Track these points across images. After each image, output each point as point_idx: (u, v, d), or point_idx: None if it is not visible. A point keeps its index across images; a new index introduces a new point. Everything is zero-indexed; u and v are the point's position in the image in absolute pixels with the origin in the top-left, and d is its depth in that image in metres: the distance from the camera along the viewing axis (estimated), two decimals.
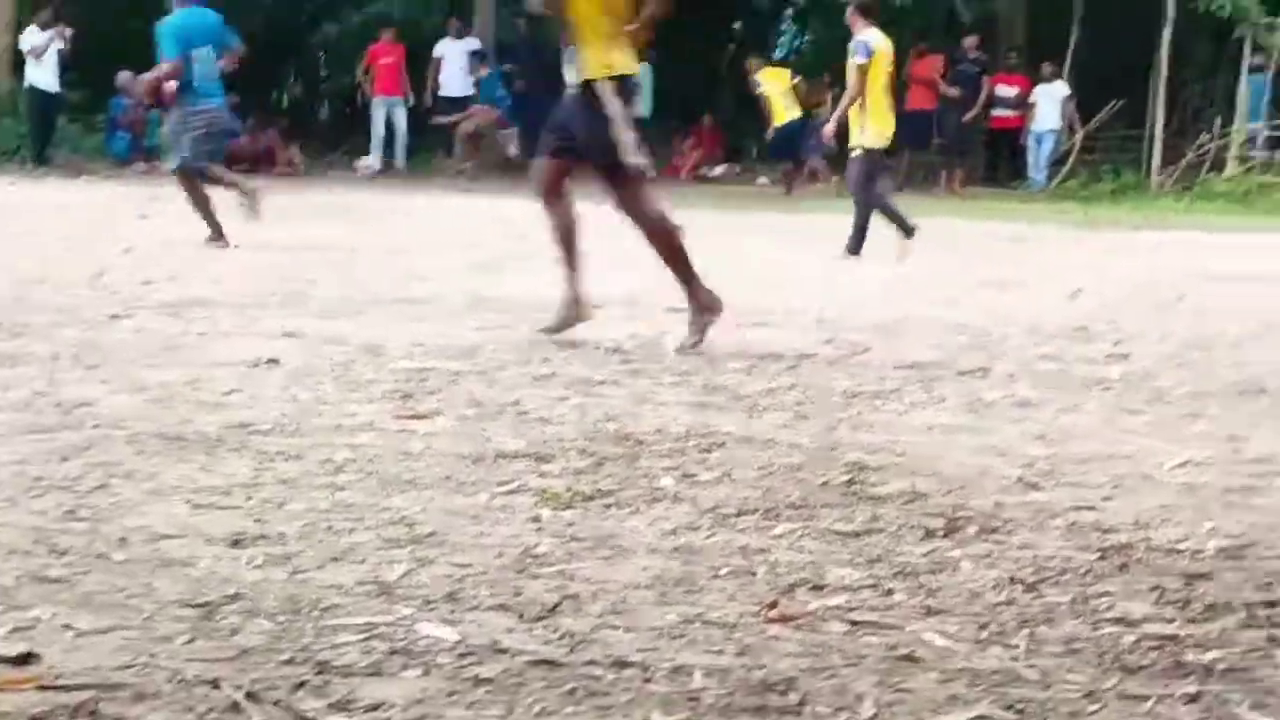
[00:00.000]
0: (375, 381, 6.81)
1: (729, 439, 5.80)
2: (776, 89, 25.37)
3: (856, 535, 4.52)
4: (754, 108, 27.00)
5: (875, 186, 14.65)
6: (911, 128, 27.38)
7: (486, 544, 4.29)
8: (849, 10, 14.76)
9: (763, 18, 32.79)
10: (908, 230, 14.38)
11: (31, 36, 24.63)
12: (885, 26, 14.69)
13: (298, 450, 5.34)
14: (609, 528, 4.51)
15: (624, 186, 8.55)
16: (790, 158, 25.82)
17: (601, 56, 8.34)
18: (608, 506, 4.75)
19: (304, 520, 4.45)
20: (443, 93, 27.13)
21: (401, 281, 10.84)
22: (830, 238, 14.67)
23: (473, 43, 27.14)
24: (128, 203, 18.21)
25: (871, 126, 14.39)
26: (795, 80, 25.73)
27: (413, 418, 6.00)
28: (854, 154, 14.62)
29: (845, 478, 5.22)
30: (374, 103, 27.72)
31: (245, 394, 6.38)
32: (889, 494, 5.02)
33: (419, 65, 28.02)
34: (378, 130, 27.32)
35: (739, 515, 4.69)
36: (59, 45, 24.83)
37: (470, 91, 26.96)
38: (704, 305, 8.51)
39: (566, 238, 8.71)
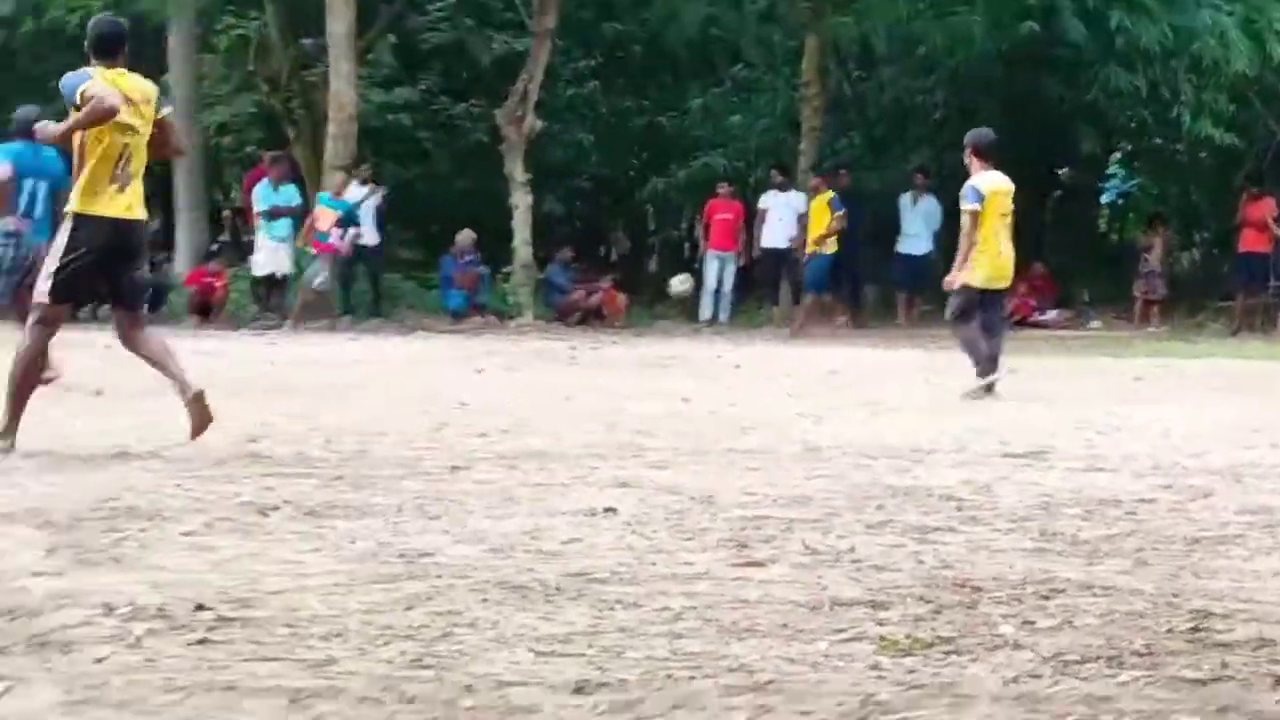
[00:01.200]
0: (709, 530, 6.85)
1: (1068, 585, 5.72)
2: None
3: (1204, 683, 4.42)
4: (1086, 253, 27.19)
5: (967, 321, 14.46)
6: (1246, 270, 26.87)
7: (826, 692, 4.28)
8: (966, 149, 14.75)
9: (1091, 162, 32.48)
10: (983, 373, 14.11)
11: (350, 194, 25.36)
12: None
13: (635, 598, 5.39)
14: (949, 675, 4.47)
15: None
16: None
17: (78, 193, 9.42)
18: (948, 654, 4.71)
19: (644, 668, 4.48)
20: (766, 244, 27.26)
21: (732, 431, 10.89)
22: (1170, 384, 14.41)
23: (795, 196, 27.29)
24: (463, 357, 18.59)
25: (978, 266, 14.34)
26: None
27: (748, 565, 6.02)
28: (954, 287, 14.58)
29: (1190, 624, 5.12)
30: (707, 256, 27.95)
31: (583, 543, 6.45)
32: (1236, 641, 4.90)
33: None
34: (709, 283, 27.53)
35: (1082, 663, 4.62)
36: (375, 203, 25.60)
37: (787, 245, 27.08)
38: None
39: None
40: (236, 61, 30.06)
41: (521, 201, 26.62)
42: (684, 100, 32.14)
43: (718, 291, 27.55)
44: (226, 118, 30.53)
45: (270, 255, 24.70)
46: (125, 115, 9.31)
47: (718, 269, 27.57)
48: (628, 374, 16.50)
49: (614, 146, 33.55)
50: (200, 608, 5.07)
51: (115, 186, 9.37)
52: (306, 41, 28.52)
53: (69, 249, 9.36)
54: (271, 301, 25.05)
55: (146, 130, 9.52)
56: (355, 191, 25.45)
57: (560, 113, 30.74)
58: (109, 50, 9.60)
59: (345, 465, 8.72)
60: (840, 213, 25.72)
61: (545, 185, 29.00)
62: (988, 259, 14.39)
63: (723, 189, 28.20)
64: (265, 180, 25.03)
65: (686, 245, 35.01)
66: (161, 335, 10.34)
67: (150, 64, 31.64)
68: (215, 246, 28.43)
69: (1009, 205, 14.56)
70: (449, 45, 31.42)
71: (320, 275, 22.07)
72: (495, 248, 27.73)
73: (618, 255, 36.05)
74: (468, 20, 31.23)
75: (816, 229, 25.75)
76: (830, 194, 25.91)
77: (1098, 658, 4.67)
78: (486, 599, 5.34)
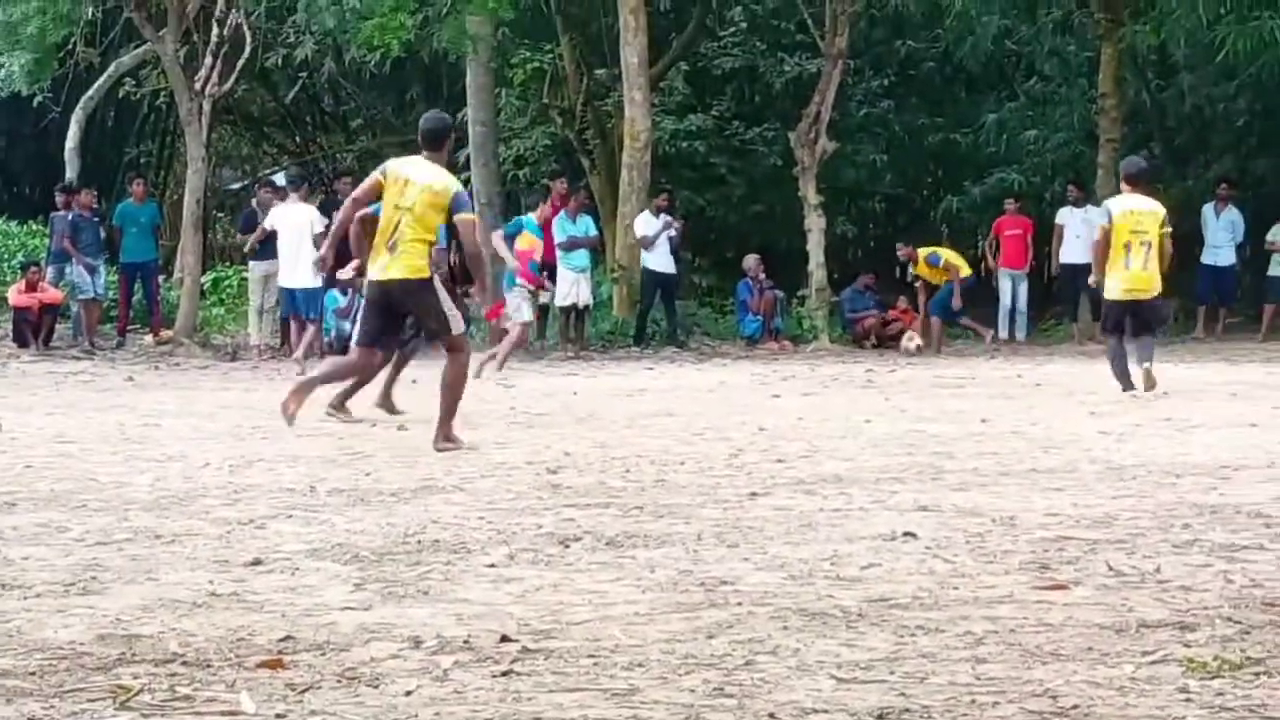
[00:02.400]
0: (1011, 552, 6.78)
1: None
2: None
3: None
4: None
5: (1108, 331, 16.49)
6: None
7: (1133, 716, 4.22)
8: (1120, 176, 17.08)
9: None
10: (1123, 383, 15.87)
11: (643, 225, 25.53)
12: None
13: (937, 623, 5.35)
14: (1259, 697, 4.38)
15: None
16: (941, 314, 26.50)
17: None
18: (1257, 675, 4.61)
19: (947, 694, 4.45)
20: (1064, 260, 26.99)
21: (1032, 451, 10.78)
22: None
23: (1093, 211, 26.94)
24: (759, 383, 18.63)
25: (1110, 280, 16.02)
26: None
27: (1052, 588, 5.95)
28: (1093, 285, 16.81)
29: None
30: (999, 274, 27.75)
31: (883, 568, 6.43)
32: None
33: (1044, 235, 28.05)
34: (1004, 301, 27.32)
35: None
36: (670, 234, 25.70)
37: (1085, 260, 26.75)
38: None
39: None
40: (531, 94, 30.51)
41: (815, 224, 26.63)
42: (978, 116, 31.92)
43: (1013, 310, 27.28)
44: (522, 150, 30.99)
45: (571, 286, 24.97)
46: (395, 197, 11.43)
47: (1010, 287, 27.33)
48: (925, 396, 16.40)
49: (907, 165, 33.44)
50: (505, 639, 5.14)
51: (386, 251, 11.48)
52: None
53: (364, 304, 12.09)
54: (572, 332, 25.31)
55: (422, 206, 11.37)
56: (649, 223, 25.61)
57: (853, 133, 30.72)
58: (427, 143, 11.64)
59: (644, 494, 8.79)
60: (939, 264, 26.43)
61: (839, 207, 28.99)
62: (1116, 273, 15.97)
63: (1010, 205, 27.98)
64: (563, 212, 25.33)
65: (982, 265, 34.75)
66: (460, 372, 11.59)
67: (450, 99, 32.47)
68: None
69: (1142, 225, 15.94)
70: (741, 70, 31.61)
71: (523, 309, 21.80)
72: (790, 271, 27.75)
73: (912, 275, 35.90)
74: (759, 44, 31.37)
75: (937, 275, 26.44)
76: (925, 253, 26.70)
77: None
78: (787, 626, 5.34)
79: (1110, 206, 16.32)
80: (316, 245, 20.14)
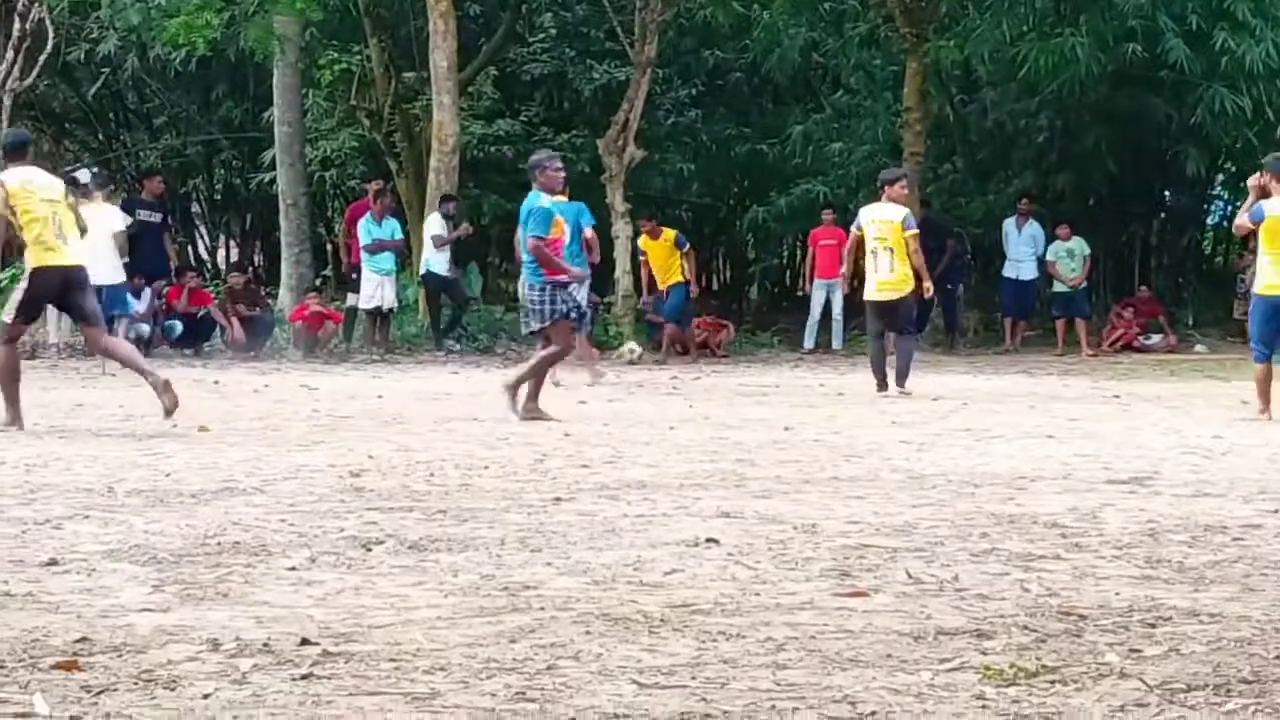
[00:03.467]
0: (812, 559, 6.83)
1: (1174, 613, 5.67)
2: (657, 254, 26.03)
3: None
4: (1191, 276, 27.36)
5: (870, 334, 17.80)
6: None
7: None
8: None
9: (1195, 184, 32.20)
10: (879, 381, 17.27)
11: (436, 226, 25.32)
12: None
13: (738, 629, 5.38)
14: (1054, 705, 4.44)
15: None
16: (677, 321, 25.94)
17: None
18: (1052, 683, 4.68)
19: (747, 699, 4.47)
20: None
21: (834, 460, 10.87)
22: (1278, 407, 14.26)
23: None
24: (566, 389, 18.62)
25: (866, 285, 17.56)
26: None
27: (852, 595, 6.00)
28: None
29: None
30: (815, 284, 27.92)
31: (685, 574, 6.45)
32: None
33: None
34: (814, 312, 27.48)
35: (1189, 691, 4.57)
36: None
37: None
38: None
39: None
40: (339, 96, 30.28)
41: (622, 232, 26.65)
42: (784, 128, 32.10)
43: (824, 320, 27.41)
44: (329, 152, 30.76)
45: (376, 289, 24.83)
46: (36, 203, 12.46)
47: (823, 298, 27.47)
48: (730, 403, 16.49)
49: (714, 175, 33.58)
50: (305, 642, 5.10)
51: (59, 241, 12.48)
52: None
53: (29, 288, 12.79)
54: (377, 335, 25.16)
55: (64, 207, 12.67)
56: (440, 224, 25.39)
57: (661, 142, 30.81)
58: (13, 154, 12.85)
59: (448, 498, 8.76)
60: (686, 249, 26.17)
61: (645, 215, 29.07)
62: (869, 278, 17.45)
63: (826, 216, 28.15)
64: (369, 214, 25.19)
65: (787, 273, 34.99)
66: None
67: (256, 98, 32.19)
68: (319, 280, 28.63)
69: (883, 232, 17.11)
70: (550, 76, 31.58)
71: None
72: (597, 279, 27.77)
73: (719, 285, 36.02)
74: (569, 51, 31.37)
75: (667, 272, 25.95)
76: (674, 233, 26.35)
77: (1205, 686, 4.63)
78: (589, 631, 5.34)
79: (860, 216, 17.74)
80: (116, 243, 20.02)
